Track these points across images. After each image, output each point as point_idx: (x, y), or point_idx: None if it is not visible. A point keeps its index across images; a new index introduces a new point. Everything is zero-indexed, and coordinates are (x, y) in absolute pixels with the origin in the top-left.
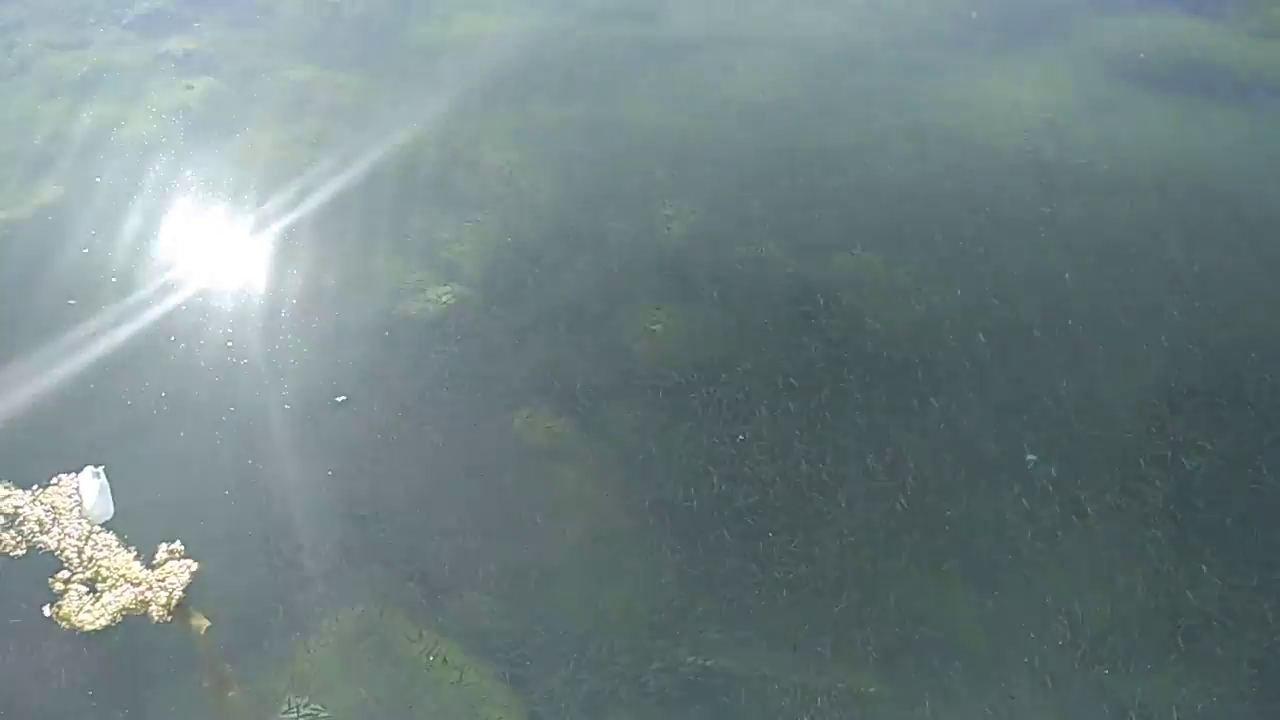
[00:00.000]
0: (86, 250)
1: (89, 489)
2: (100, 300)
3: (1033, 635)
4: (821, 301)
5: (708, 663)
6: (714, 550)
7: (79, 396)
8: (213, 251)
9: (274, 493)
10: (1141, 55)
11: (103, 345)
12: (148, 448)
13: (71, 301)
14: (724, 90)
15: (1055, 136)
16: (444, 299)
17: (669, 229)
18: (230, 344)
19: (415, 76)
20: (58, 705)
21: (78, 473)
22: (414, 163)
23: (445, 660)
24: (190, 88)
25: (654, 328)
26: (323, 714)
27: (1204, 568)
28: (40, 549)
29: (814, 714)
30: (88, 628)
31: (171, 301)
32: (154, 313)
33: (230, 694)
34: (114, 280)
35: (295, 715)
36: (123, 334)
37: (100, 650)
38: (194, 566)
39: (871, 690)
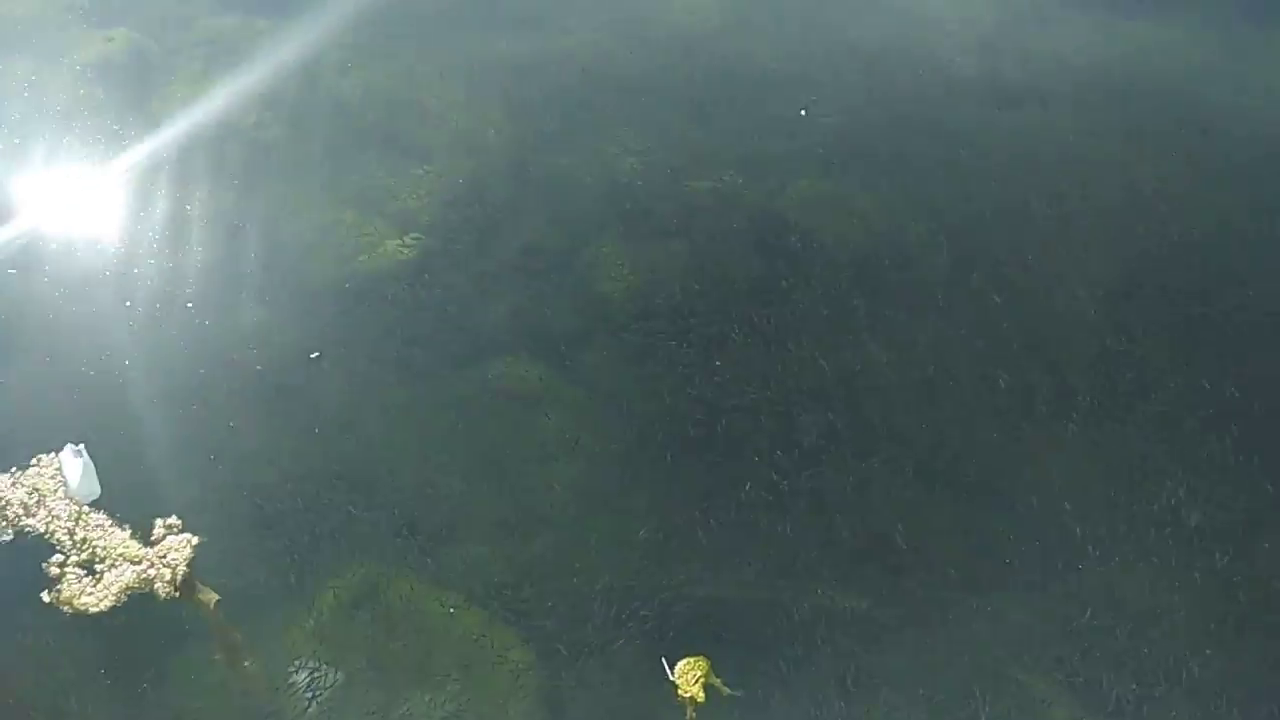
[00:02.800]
0: None
1: (72, 468)
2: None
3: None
4: (780, 229)
5: (699, 590)
6: (697, 481)
7: (38, 370)
8: (164, 212)
9: (259, 456)
10: None
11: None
12: (119, 421)
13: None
14: (660, 18)
15: (991, 51)
16: (404, 251)
17: (624, 165)
18: (190, 305)
19: (339, 19)
20: (75, 687)
21: (57, 452)
22: (353, 110)
23: (450, 610)
24: (110, 40)
25: (618, 266)
26: (333, 674)
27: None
28: (29, 533)
29: (798, 632)
30: (92, 610)
31: (122, 269)
32: (107, 280)
33: (246, 663)
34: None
35: (307, 678)
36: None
37: (106, 631)
38: (194, 540)
39: (863, 606)
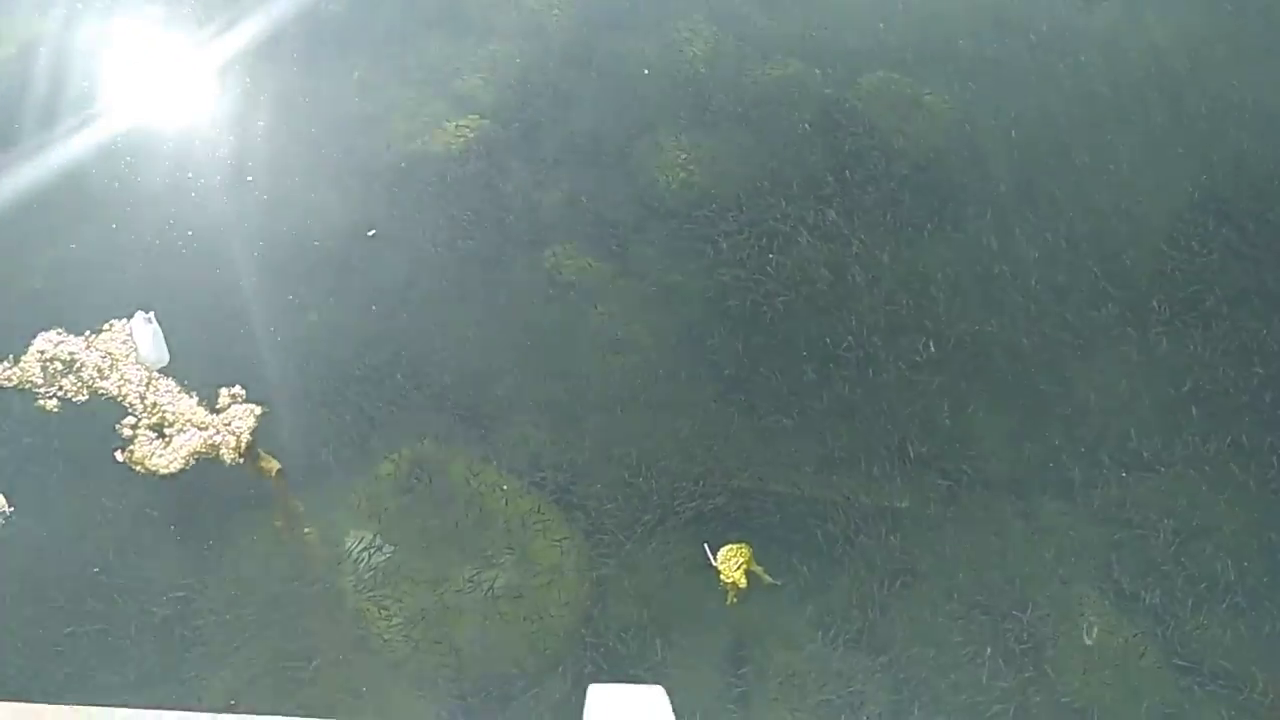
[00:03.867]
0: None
1: (143, 334)
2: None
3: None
4: (848, 123)
5: (751, 484)
6: (746, 375)
7: (105, 237)
8: (214, 85)
9: (318, 330)
10: None
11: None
12: (183, 290)
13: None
14: None
15: None
16: (463, 133)
17: (688, 51)
18: (249, 179)
19: None
20: (145, 542)
21: (127, 319)
22: None
23: (502, 488)
24: None
25: (678, 155)
26: (386, 548)
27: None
28: (102, 394)
29: (850, 530)
30: (162, 471)
31: (185, 142)
32: (170, 152)
33: (306, 530)
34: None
35: (361, 548)
36: (141, 171)
37: (174, 490)
38: (257, 410)
39: (905, 505)
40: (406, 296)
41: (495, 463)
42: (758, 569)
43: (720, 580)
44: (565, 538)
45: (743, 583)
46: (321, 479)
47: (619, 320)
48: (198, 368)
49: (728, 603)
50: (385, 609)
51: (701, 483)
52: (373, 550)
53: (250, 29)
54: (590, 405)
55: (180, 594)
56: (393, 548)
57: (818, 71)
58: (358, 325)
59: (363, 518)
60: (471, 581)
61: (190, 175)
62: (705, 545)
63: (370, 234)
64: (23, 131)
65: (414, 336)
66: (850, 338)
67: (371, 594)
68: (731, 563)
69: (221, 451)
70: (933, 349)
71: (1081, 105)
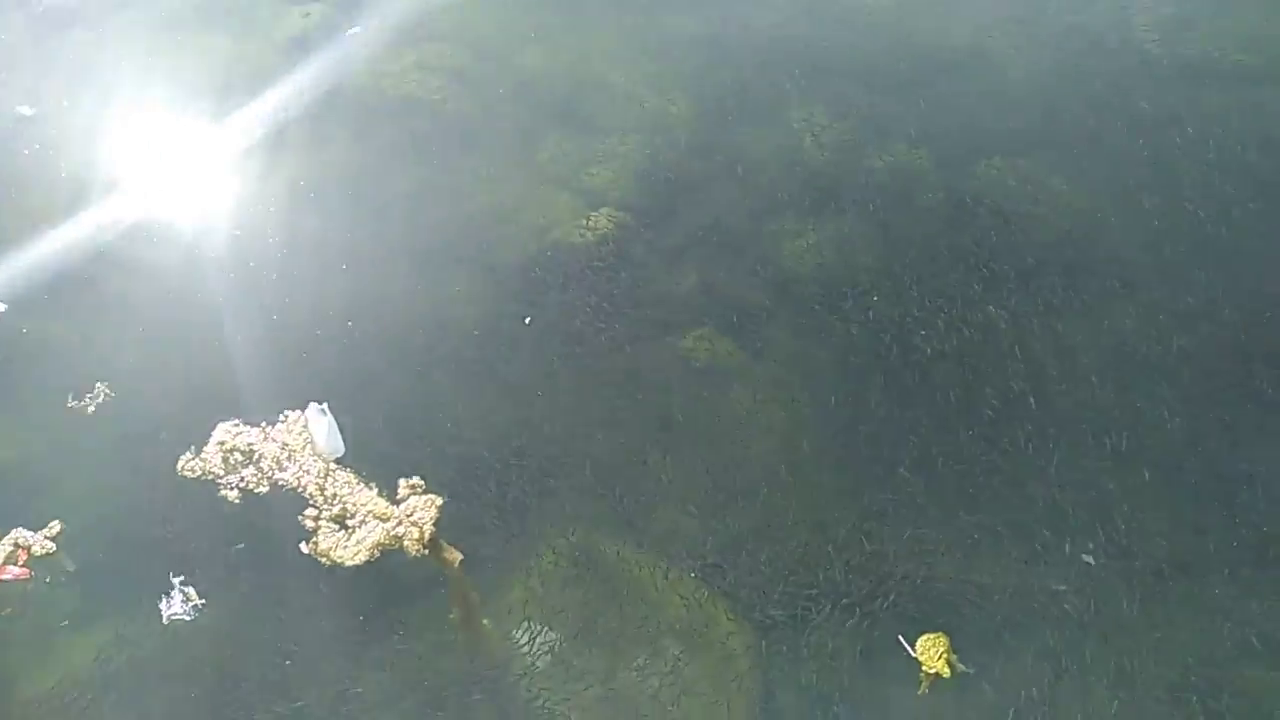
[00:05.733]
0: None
1: (318, 426)
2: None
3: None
4: (972, 206)
5: (908, 569)
6: (893, 461)
7: (271, 328)
8: (360, 183)
9: (470, 418)
10: None
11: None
12: (348, 381)
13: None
14: None
15: (1172, 28)
16: (594, 225)
17: (805, 140)
18: (404, 269)
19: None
20: (333, 630)
21: (301, 410)
22: (536, 84)
23: (664, 577)
24: (307, 15)
25: (802, 241)
26: (554, 640)
27: None
28: (282, 486)
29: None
30: (347, 563)
31: (333, 234)
32: (324, 243)
33: (484, 621)
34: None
35: (530, 641)
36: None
37: (357, 580)
38: (439, 501)
39: (1063, 589)
40: (547, 385)
41: (650, 551)
42: (952, 657)
43: (921, 670)
44: (732, 629)
45: (946, 672)
46: (481, 570)
47: (756, 403)
48: (365, 458)
49: (920, 691)
50: (557, 704)
51: (863, 570)
52: (541, 643)
53: (383, 131)
54: (737, 491)
55: (360, 689)
56: (560, 639)
57: (936, 157)
58: (502, 413)
59: (528, 609)
60: (640, 673)
61: (344, 267)
62: (900, 637)
63: (527, 321)
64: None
65: (557, 425)
66: (985, 420)
67: (543, 688)
68: (932, 651)
69: (405, 543)
70: (1066, 429)
71: (1203, 192)
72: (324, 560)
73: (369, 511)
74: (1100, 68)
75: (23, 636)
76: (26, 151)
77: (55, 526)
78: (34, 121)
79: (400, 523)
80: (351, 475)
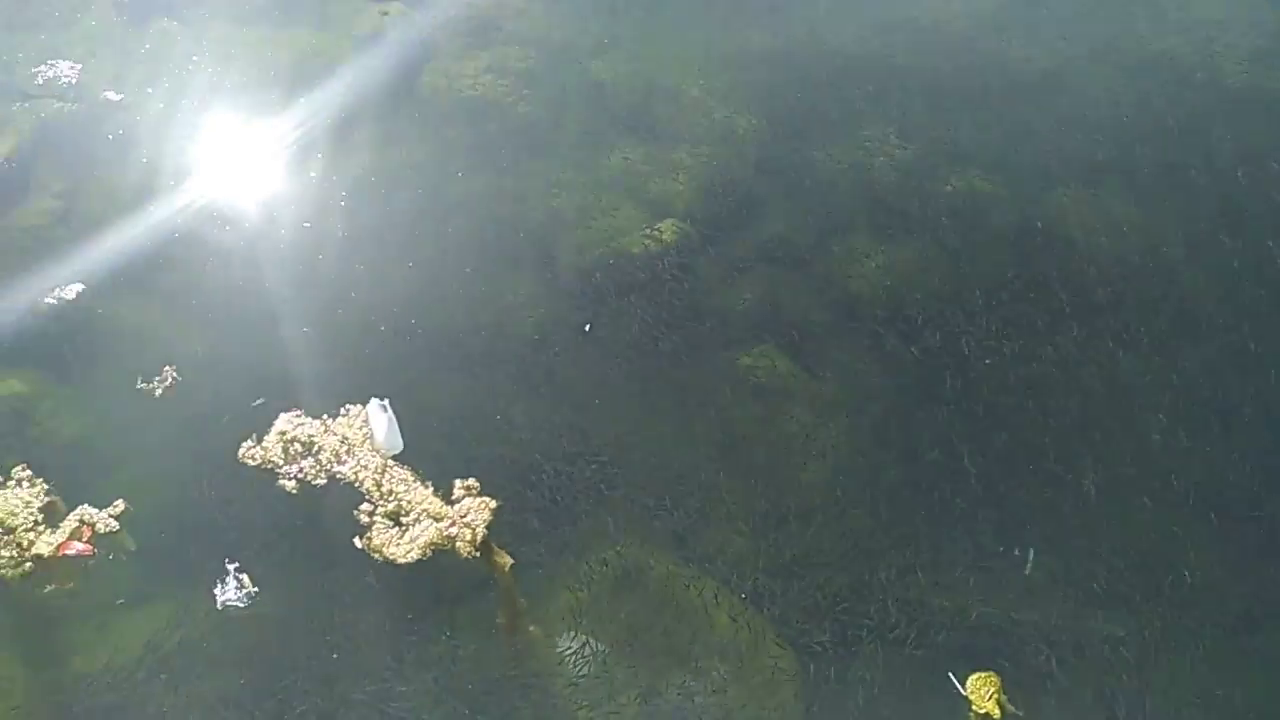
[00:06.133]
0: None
1: (378, 421)
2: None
3: None
4: (1034, 236)
5: (964, 612)
6: (950, 494)
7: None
8: (424, 184)
9: (527, 426)
10: None
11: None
12: (424, 381)
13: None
14: (910, 16)
15: (1259, 59)
16: (658, 236)
17: (875, 161)
18: (468, 270)
19: (592, 2)
20: (381, 625)
21: (363, 405)
22: (607, 93)
23: (714, 597)
24: (385, 14)
25: (867, 262)
26: (599, 651)
27: None
28: (340, 479)
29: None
30: (400, 560)
31: (398, 233)
32: (387, 242)
33: (531, 628)
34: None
35: (574, 651)
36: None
37: (408, 577)
38: (492, 504)
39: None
40: (607, 396)
41: (698, 567)
42: (1002, 698)
43: (970, 710)
44: (778, 654)
45: (996, 713)
46: (528, 576)
47: (812, 424)
48: (420, 456)
49: None
50: (599, 717)
51: (912, 603)
52: (586, 654)
53: (453, 131)
54: (790, 513)
55: (404, 687)
56: (605, 650)
57: (1008, 183)
58: (560, 422)
59: (574, 618)
60: (682, 692)
61: (410, 264)
62: (951, 674)
63: (587, 329)
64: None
65: (609, 434)
66: (1047, 455)
67: (585, 700)
68: (983, 692)
69: (457, 544)
70: (1135, 468)
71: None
72: (376, 556)
73: (424, 510)
74: (1178, 98)
75: (81, 612)
76: (111, 136)
77: (119, 505)
78: (121, 107)
79: (454, 523)
80: (408, 473)
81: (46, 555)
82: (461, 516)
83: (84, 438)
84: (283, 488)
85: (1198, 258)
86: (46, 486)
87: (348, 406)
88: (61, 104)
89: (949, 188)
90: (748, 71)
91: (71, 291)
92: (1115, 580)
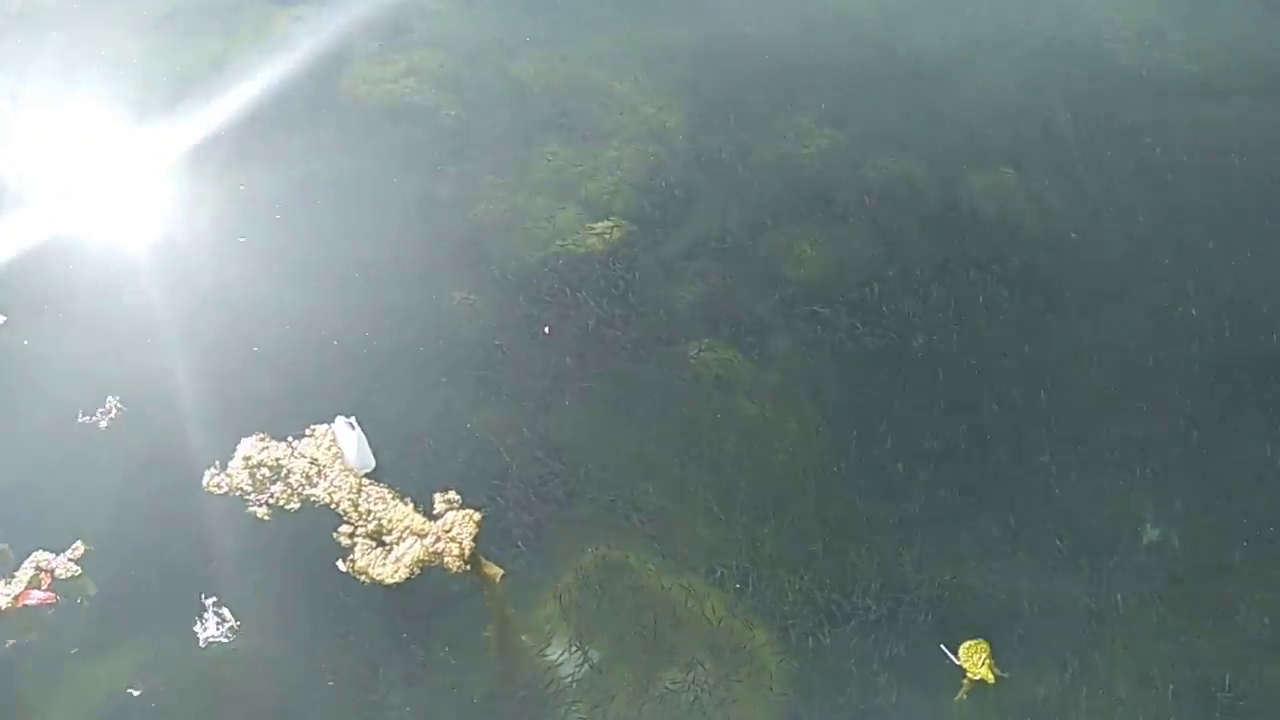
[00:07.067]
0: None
1: (347, 440)
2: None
3: None
4: (966, 217)
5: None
6: (911, 469)
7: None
8: (360, 192)
9: (483, 431)
10: None
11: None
12: (370, 392)
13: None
14: (822, 5)
15: (1150, 44)
16: (599, 235)
17: (800, 150)
18: (411, 277)
19: (506, 2)
20: (372, 647)
21: (328, 424)
22: (531, 94)
23: (687, 590)
24: (298, 18)
25: (802, 250)
26: (586, 655)
27: None
28: (314, 502)
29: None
30: (388, 581)
31: (336, 246)
32: (327, 256)
33: (523, 638)
34: None
35: (562, 657)
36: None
37: (393, 596)
38: (476, 516)
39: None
40: (558, 397)
41: (672, 561)
42: (992, 664)
43: (964, 678)
44: (761, 640)
45: (990, 678)
46: (509, 584)
47: (765, 411)
48: (394, 472)
49: (957, 698)
50: None
51: (891, 580)
52: (573, 658)
53: (377, 138)
54: (754, 500)
55: (401, 710)
56: (593, 654)
57: (927, 168)
58: (513, 426)
59: (559, 624)
60: (672, 688)
61: (358, 276)
62: (942, 646)
63: (546, 330)
64: None
65: (568, 434)
66: (984, 430)
67: (579, 706)
68: (976, 659)
69: (446, 559)
70: (1062, 443)
71: (1190, 204)
72: (362, 578)
73: (406, 527)
74: (1085, 81)
75: (45, 664)
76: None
77: (79, 548)
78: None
79: (439, 538)
80: (385, 490)
81: (4, 607)
82: (446, 530)
83: (22, 480)
84: (253, 515)
85: (1113, 226)
86: None
87: (312, 426)
88: None
89: (874, 173)
90: (670, 66)
91: None
92: (1075, 543)
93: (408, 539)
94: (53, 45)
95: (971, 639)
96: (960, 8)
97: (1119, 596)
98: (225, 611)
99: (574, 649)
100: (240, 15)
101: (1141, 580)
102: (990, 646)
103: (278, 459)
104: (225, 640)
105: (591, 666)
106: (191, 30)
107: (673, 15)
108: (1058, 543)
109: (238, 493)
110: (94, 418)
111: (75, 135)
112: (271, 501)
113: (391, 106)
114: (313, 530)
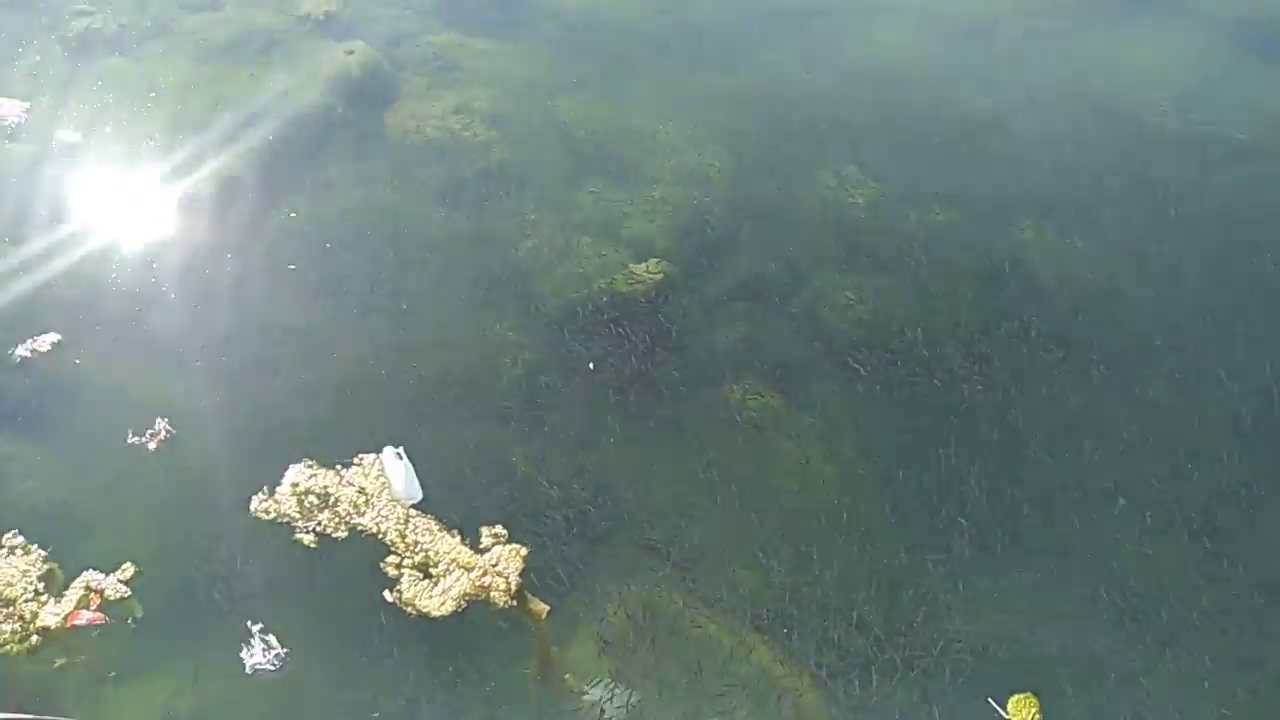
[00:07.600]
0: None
1: (395, 470)
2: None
3: None
4: (1009, 269)
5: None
6: (950, 518)
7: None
8: (399, 225)
9: (523, 471)
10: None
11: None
12: (428, 426)
13: None
14: (861, 57)
15: (1191, 103)
16: (640, 276)
17: (842, 198)
18: (456, 310)
19: (555, 43)
20: (412, 681)
21: (377, 453)
22: (576, 135)
23: (728, 633)
24: (350, 53)
25: (842, 296)
26: (627, 698)
27: None
28: (361, 531)
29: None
30: (435, 614)
31: (373, 278)
32: (365, 289)
33: (566, 676)
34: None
35: (602, 700)
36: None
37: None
38: (523, 551)
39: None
40: (599, 432)
41: (713, 604)
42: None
43: None
44: (805, 686)
45: None
46: (551, 622)
47: (806, 455)
48: (437, 504)
49: None
50: None
51: (930, 630)
52: (614, 698)
53: (424, 173)
54: (796, 545)
55: None
56: (634, 695)
57: (967, 221)
58: (554, 463)
59: (599, 662)
60: None
61: (405, 307)
62: (990, 699)
63: (590, 366)
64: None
65: (610, 472)
66: (1025, 480)
67: None
68: (1025, 713)
69: (492, 594)
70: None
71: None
72: (409, 610)
73: (453, 560)
74: (1120, 139)
75: (90, 685)
76: (68, 177)
77: (128, 569)
78: (78, 148)
79: (486, 572)
80: (432, 521)
81: (54, 627)
82: (493, 565)
83: (71, 499)
84: (300, 542)
85: (1149, 285)
86: (44, 554)
87: (359, 455)
88: (11, 145)
89: (917, 225)
90: (714, 114)
91: (45, 343)
92: (1126, 599)
93: (454, 571)
94: (112, 70)
95: (1020, 692)
96: (1006, 67)
97: (1169, 653)
98: (272, 638)
99: (615, 688)
100: (294, 48)
101: (1196, 640)
102: (1039, 700)
103: (325, 487)
104: (272, 668)
105: (632, 707)
106: (244, 61)
107: (717, 65)
108: (1106, 596)
109: (285, 519)
110: (143, 439)
111: (131, 158)
112: (319, 529)
113: (440, 142)
114: (360, 559)
